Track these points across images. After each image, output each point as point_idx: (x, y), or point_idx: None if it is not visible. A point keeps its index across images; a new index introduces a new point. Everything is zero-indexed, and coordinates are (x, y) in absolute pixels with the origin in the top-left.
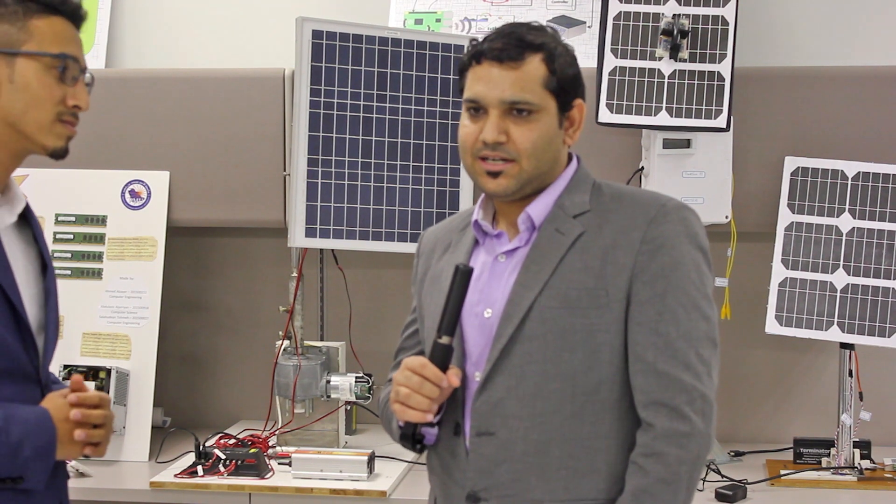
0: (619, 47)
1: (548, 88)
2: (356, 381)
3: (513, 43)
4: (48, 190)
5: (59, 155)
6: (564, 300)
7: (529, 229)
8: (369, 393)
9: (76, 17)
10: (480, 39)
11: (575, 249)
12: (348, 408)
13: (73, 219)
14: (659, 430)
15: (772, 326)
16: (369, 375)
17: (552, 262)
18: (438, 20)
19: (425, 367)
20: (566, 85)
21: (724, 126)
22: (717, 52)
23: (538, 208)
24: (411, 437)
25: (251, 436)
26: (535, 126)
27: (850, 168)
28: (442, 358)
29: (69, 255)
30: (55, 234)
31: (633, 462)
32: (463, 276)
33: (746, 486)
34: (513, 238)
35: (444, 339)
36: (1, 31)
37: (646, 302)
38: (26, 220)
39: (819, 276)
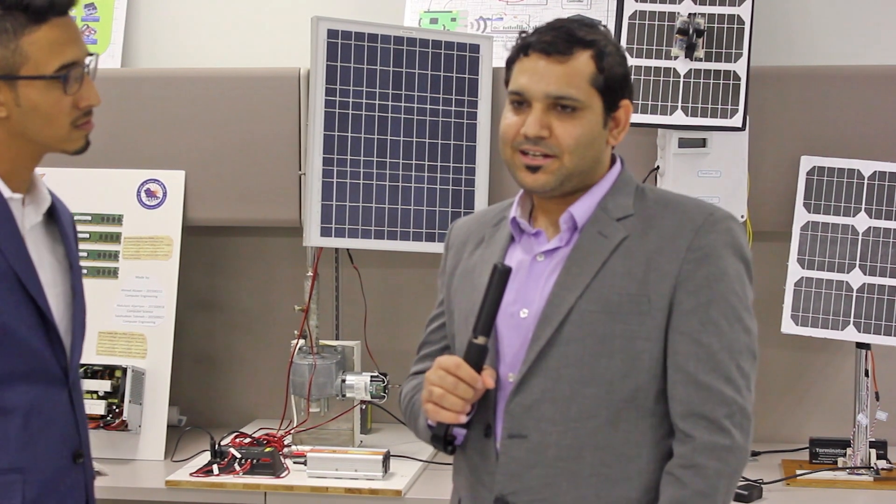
0: (635, 46)
1: (595, 86)
2: (371, 381)
3: (562, 37)
4: (64, 189)
5: (80, 152)
6: (605, 305)
7: (570, 230)
8: (384, 392)
9: (67, 9)
10: (530, 32)
11: (618, 254)
12: (363, 407)
13: (88, 218)
14: (699, 442)
15: (788, 326)
16: (384, 375)
17: (594, 265)
18: (454, 19)
19: (460, 368)
20: (614, 84)
21: (740, 125)
22: (733, 51)
23: (581, 209)
24: (443, 437)
25: (266, 435)
26: (578, 123)
27: (867, 167)
28: (477, 358)
29: (85, 254)
30: None
31: (670, 473)
32: (501, 276)
33: (762, 485)
34: (552, 237)
35: (480, 340)
36: None
37: (689, 311)
38: (52, 219)
39: (835, 276)
